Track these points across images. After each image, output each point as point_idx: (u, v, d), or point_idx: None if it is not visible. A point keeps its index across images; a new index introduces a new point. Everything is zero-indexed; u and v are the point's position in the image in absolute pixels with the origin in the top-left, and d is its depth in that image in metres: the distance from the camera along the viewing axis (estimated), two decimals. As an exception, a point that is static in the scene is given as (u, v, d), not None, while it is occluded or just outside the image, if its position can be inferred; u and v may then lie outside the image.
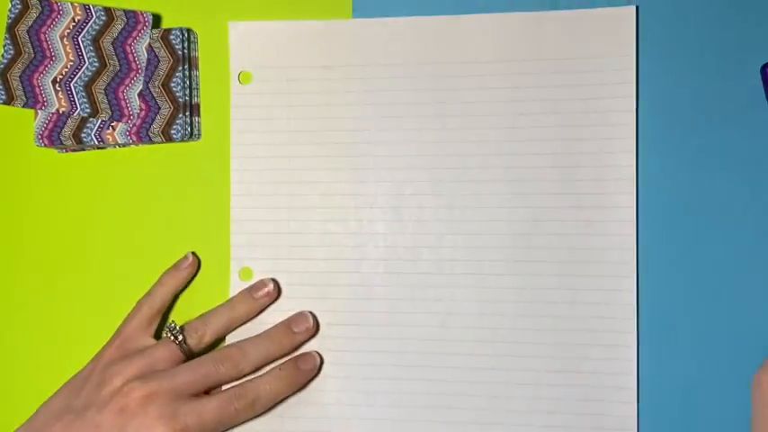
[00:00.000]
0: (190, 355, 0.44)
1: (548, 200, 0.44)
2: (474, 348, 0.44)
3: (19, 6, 0.46)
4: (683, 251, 0.44)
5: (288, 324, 0.45)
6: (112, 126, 0.47)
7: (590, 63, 0.44)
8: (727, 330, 0.43)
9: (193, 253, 0.47)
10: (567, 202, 0.44)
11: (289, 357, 0.45)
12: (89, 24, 0.46)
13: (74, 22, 0.46)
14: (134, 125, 0.46)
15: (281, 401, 0.45)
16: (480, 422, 0.44)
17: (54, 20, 0.46)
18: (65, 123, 0.47)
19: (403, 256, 0.45)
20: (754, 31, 0.44)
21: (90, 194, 0.48)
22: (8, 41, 0.47)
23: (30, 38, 0.46)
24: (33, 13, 0.46)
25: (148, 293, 0.46)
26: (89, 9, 0.46)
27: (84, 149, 0.49)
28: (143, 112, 0.46)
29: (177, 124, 0.46)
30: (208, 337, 0.44)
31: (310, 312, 0.45)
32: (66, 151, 0.49)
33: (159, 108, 0.46)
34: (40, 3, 0.46)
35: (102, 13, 0.46)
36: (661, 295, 0.44)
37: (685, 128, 0.44)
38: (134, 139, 0.46)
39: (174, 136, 0.46)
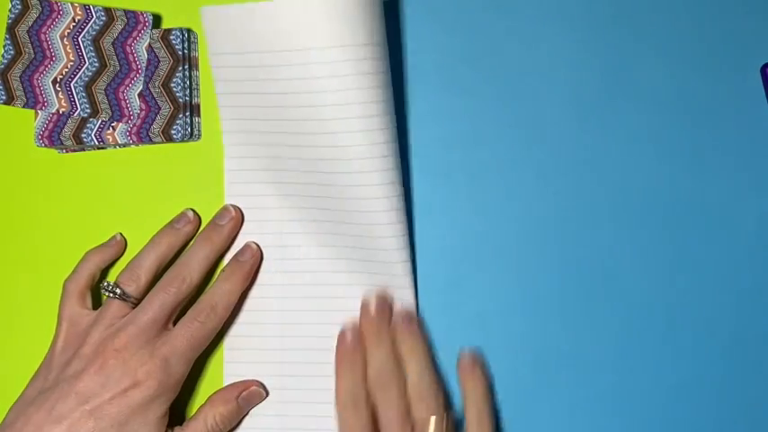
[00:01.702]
0: (137, 303, 0.44)
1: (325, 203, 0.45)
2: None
3: (19, 6, 0.46)
4: (682, 252, 0.44)
5: (214, 221, 0.46)
6: (113, 126, 0.47)
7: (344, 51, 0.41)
8: (724, 327, 0.43)
9: (121, 234, 0.48)
10: (336, 206, 0.44)
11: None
12: (89, 24, 0.46)
13: (74, 22, 0.46)
14: (134, 125, 0.46)
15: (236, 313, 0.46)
16: None
17: (54, 20, 0.46)
18: (65, 123, 0.47)
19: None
20: (754, 31, 0.44)
21: (90, 194, 0.49)
22: (8, 41, 0.47)
23: (30, 38, 0.46)
24: (33, 14, 0.46)
25: (72, 272, 0.46)
26: (89, 9, 0.46)
27: (84, 149, 0.49)
28: (143, 113, 0.46)
29: (177, 124, 0.46)
30: (143, 279, 0.45)
31: (231, 205, 0.46)
32: (67, 151, 0.49)
33: (159, 108, 0.46)
34: (41, 3, 0.46)
35: (103, 13, 0.46)
36: (662, 295, 0.44)
37: (685, 128, 0.44)
38: (134, 139, 0.46)
39: (174, 136, 0.46)
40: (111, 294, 0.44)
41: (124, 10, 0.46)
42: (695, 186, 0.44)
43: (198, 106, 0.48)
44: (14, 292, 0.49)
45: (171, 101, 0.46)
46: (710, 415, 0.43)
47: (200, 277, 0.45)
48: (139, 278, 0.44)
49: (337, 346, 0.45)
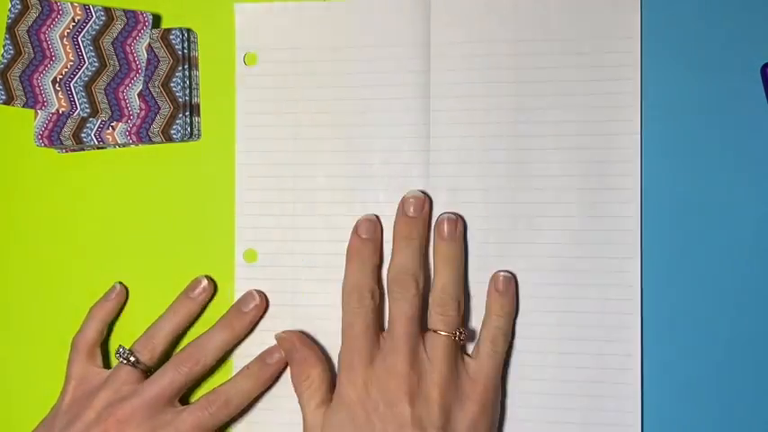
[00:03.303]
0: (149, 372, 0.44)
1: (551, 182, 0.44)
2: None
3: (19, 6, 0.46)
4: (684, 251, 0.44)
5: (237, 306, 0.46)
6: (112, 126, 0.47)
7: (594, 44, 0.44)
8: (724, 328, 0.43)
9: (120, 282, 0.47)
10: (571, 184, 0.44)
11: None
12: (89, 24, 0.46)
13: (74, 22, 0.46)
14: (134, 125, 0.46)
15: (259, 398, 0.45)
16: None
17: (54, 20, 0.46)
18: (65, 123, 0.47)
19: None
20: (754, 31, 0.44)
21: (90, 194, 0.49)
22: (8, 41, 0.47)
23: (30, 38, 0.46)
24: (33, 13, 0.46)
25: (80, 329, 0.46)
26: (89, 9, 0.46)
27: (84, 149, 0.49)
28: (143, 112, 0.46)
29: (177, 124, 0.46)
30: (159, 349, 0.44)
31: (257, 290, 0.46)
32: (67, 151, 0.49)
33: (159, 108, 0.46)
34: (40, 3, 0.46)
35: (102, 13, 0.46)
36: (663, 293, 0.44)
37: (685, 127, 0.44)
38: (134, 139, 0.46)
39: (174, 136, 0.46)
40: (125, 361, 0.44)
41: (124, 10, 0.46)
42: (695, 186, 0.44)
43: (198, 106, 0.48)
44: (15, 292, 0.49)
45: (171, 101, 0.46)
46: (710, 414, 0.43)
47: (215, 361, 0.44)
48: (155, 347, 0.44)
49: (350, 239, 0.44)
